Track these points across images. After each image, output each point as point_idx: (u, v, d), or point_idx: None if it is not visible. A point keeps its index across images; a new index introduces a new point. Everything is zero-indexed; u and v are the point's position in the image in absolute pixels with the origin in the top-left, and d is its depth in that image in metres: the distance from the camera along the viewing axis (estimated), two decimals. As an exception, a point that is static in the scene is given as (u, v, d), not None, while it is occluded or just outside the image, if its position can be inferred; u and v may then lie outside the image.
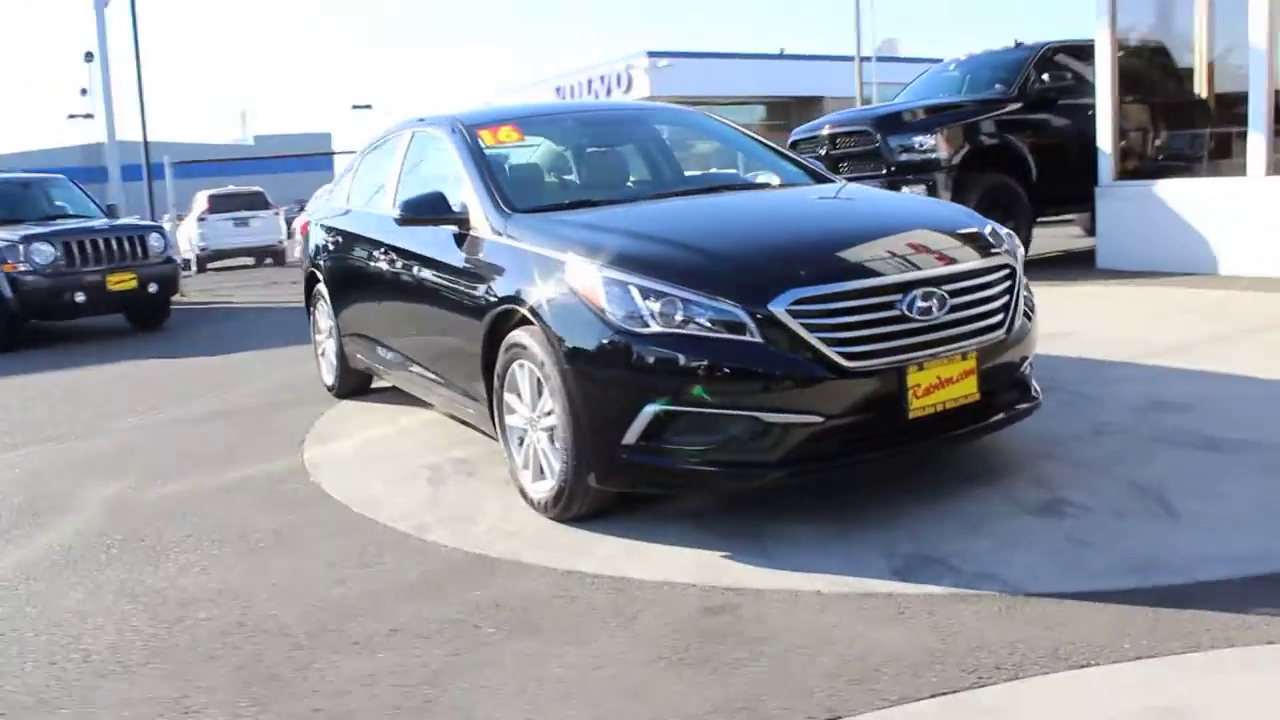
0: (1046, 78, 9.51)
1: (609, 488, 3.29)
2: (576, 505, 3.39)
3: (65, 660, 2.74)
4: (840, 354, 3.02)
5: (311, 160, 46.88)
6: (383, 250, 4.81)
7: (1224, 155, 8.16)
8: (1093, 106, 9.30)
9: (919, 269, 3.22)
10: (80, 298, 9.12)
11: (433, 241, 4.25)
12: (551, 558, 3.20)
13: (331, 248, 5.67)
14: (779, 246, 3.31)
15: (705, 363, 3.02)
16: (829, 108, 41.93)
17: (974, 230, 3.57)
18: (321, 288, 5.90)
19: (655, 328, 3.07)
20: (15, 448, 5.39)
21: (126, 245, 9.46)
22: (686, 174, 4.76)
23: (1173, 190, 8.10)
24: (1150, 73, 9.17)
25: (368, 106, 48.09)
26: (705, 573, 2.99)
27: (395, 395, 5.72)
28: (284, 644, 2.74)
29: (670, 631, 2.64)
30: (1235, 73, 8.40)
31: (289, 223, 23.71)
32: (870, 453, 3.15)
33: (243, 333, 9.76)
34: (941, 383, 3.17)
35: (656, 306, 3.07)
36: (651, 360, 3.07)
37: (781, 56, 43.81)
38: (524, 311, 3.47)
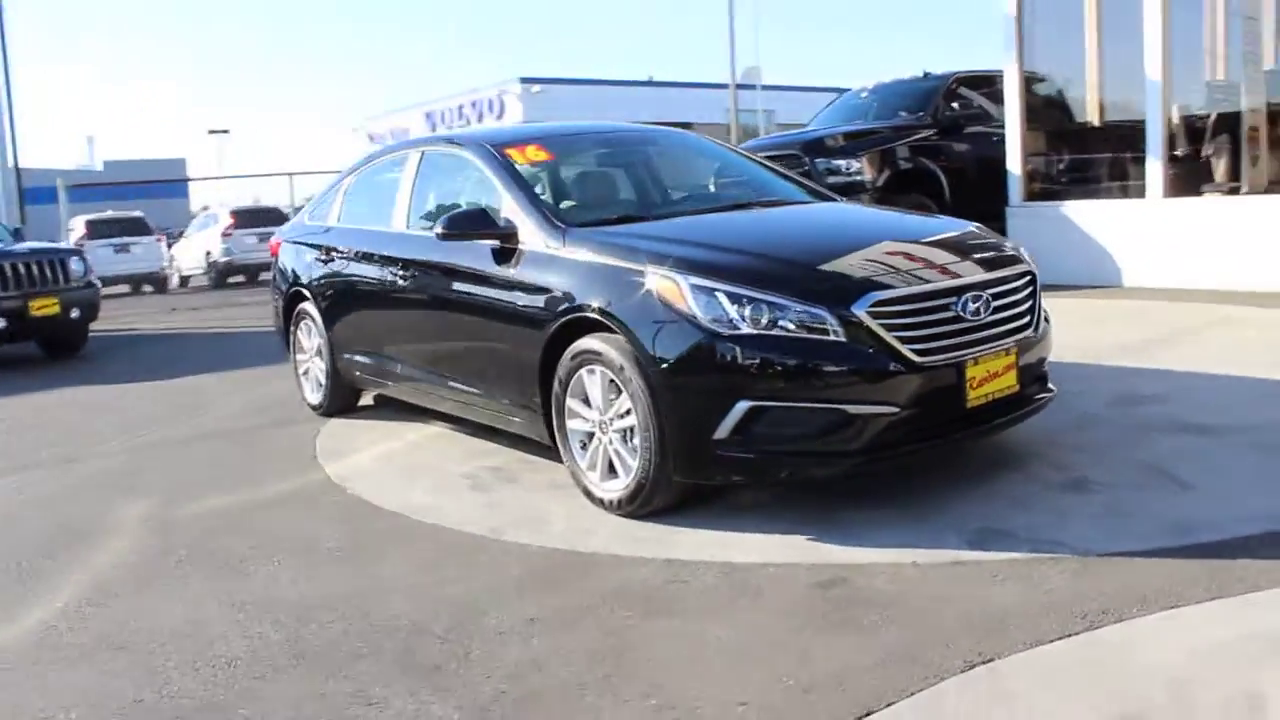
0: (956, 105, 10.25)
1: (695, 481, 3.52)
2: (656, 500, 3.60)
3: (208, 666, 2.78)
4: (912, 350, 3.34)
5: (169, 186, 45.13)
6: (399, 266, 4.90)
7: (1124, 178, 8.99)
8: (995, 132, 10.09)
9: (967, 275, 3.60)
10: (1, 324, 8.69)
11: (467, 256, 4.40)
12: (643, 549, 3.40)
13: (324, 266, 5.68)
14: (848, 254, 3.63)
15: (794, 361, 3.30)
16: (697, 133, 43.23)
17: (995, 242, 3.98)
18: (308, 307, 5.90)
19: (745, 330, 3.33)
20: (3, 474, 5.20)
21: (47, 270, 9.07)
22: (712, 191, 5.04)
23: (1079, 210, 8.87)
24: (1054, 102, 9.99)
25: (225, 131, 46.77)
26: (800, 554, 3.24)
27: (381, 412, 5.80)
28: (428, 639, 2.84)
29: (799, 603, 2.89)
30: (1127, 103, 9.29)
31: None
32: (935, 440, 3.49)
33: (171, 358, 9.45)
34: (990, 376, 3.54)
35: (746, 311, 3.34)
36: (743, 360, 3.32)
37: (650, 83, 44.87)
38: (597, 319, 3.67)
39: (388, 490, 4.38)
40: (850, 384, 3.30)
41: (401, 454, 5.01)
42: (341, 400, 5.89)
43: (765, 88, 44.53)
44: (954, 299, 3.48)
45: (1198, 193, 8.33)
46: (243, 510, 4.26)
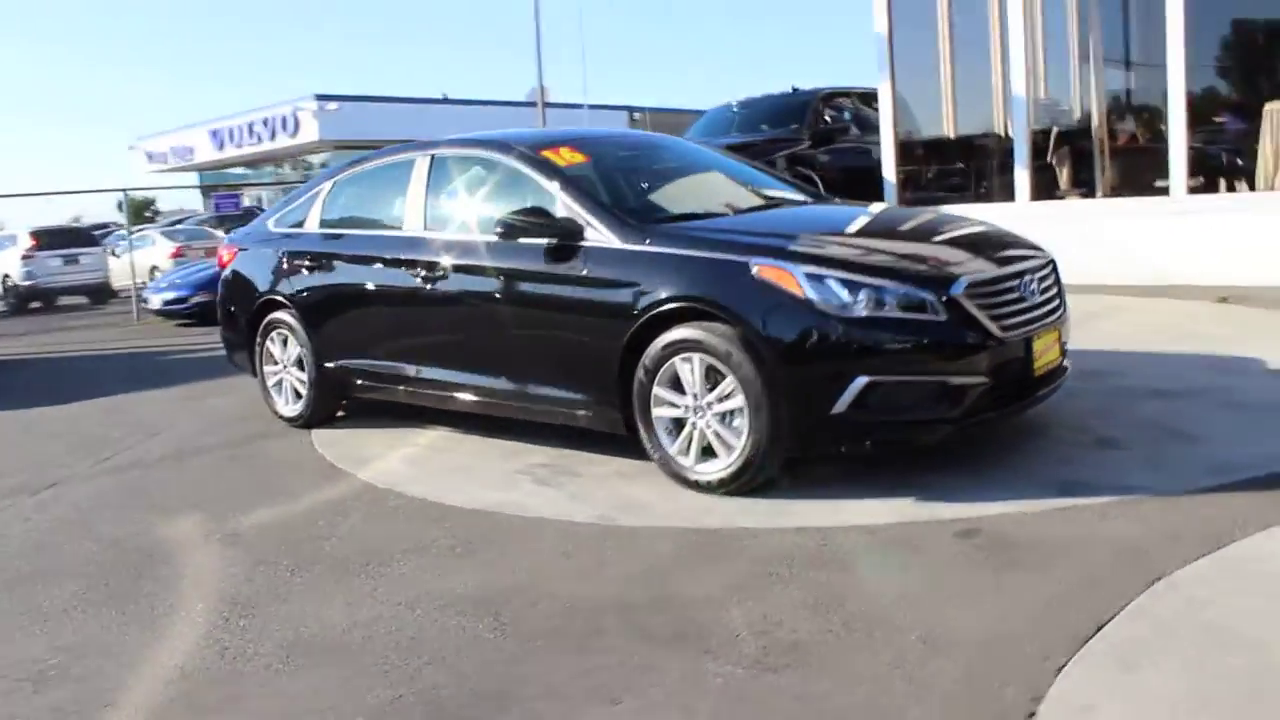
0: (829, 119, 11.03)
1: (810, 454, 3.79)
2: (760, 477, 3.83)
3: (439, 658, 2.77)
4: (997, 327, 3.76)
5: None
6: (420, 269, 4.86)
7: (987, 184, 10.00)
8: (862, 143, 10.95)
9: (1019, 262, 4.07)
10: None
11: (514, 256, 4.47)
12: (770, 521, 3.63)
13: (308, 273, 5.51)
14: (931, 244, 4.01)
15: (904, 339, 3.64)
16: None
17: (1017, 236, 4.49)
18: (283, 316, 5.69)
19: (859, 313, 3.63)
20: (1, 497, 4.74)
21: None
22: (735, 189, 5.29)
23: (955, 213, 9.76)
24: (921, 115, 10.92)
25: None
26: (915, 513, 3.57)
27: (362, 420, 5.69)
28: (642, 613, 2.94)
29: (956, 551, 3.22)
30: (983, 118, 10.35)
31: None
32: (1011, 406, 3.92)
33: (56, 383, 8.66)
34: (1046, 349, 4.03)
35: (859, 295, 3.64)
36: (859, 340, 3.63)
37: (445, 101, 44.80)
38: (693, 309, 3.87)
39: (449, 490, 4.35)
40: (951, 358, 3.68)
41: (428, 457, 4.97)
42: (325, 410, 5.72)
43: (553, 106, 45.43)
44: (1018, 281, 3.94)
45: (1057, 196, 9.40)
46: (307, 519, 4.13)
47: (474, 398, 4.83)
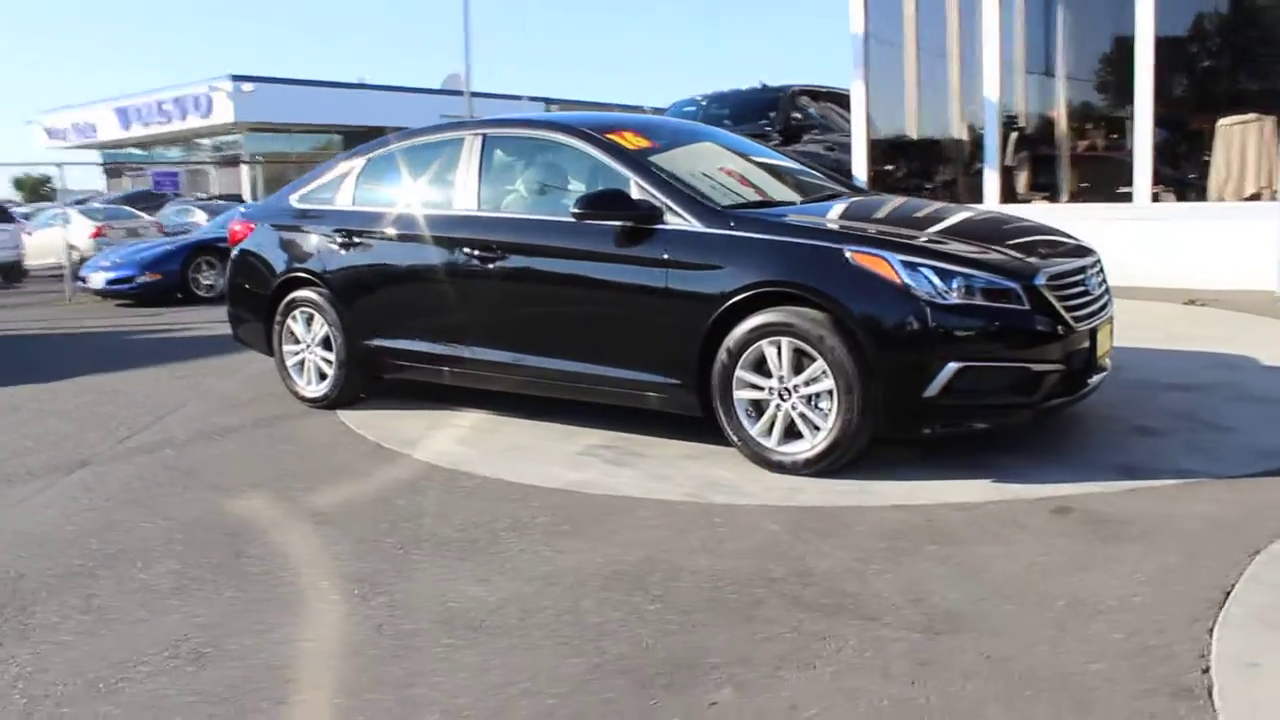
0: (799, 115, 11.27)
1: (900, 435, 3.94)
2: (845, 457, 3.97)
3: (619, 628, 2.80)
4: (1070, 317, 3.97)
5: None
6: (476, 248, 4.83)
7: (954, 183, 10.37)
8: (829, 140, 11.24)
9: (1084, 257, 4.29)
10: None
11: (583, 238, 4.50)
12: (862, 500, 3.76)
13: (343, 250, 5.42)
14: (1003, 237, 4.20)
15: (994, 326, 3.82)
16: None
17: (1069, 235, 4.72)
18: (308, 294, 5.59)
19: (952, 300, 3.80)
20: (20, 481, 4.51)
21: None
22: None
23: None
24: (893, 117, 11.24)
25: None
26: (1000, 493, 3.76)
27: (387, 402, 5.63)
28: (793, 585, 3.03)
29: (1058, 527, 3.41)
30: (950, 121, 10.73)
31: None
32: (1078, 392, 4.13)
33: (49, 360, 8.24)
34: (1105, 339, 4.27)
35: (952, 284, 3.80)
36: (952, 327, 3.79)
37: (362, 86, 44.12)
38: (786, 293, 3.98)
39: (520, 471, 4.35)
40: (1032, 345, 3.88)
41: (478, 438, 4.94)
42: (351, 391, 5.64)
43: (487, 96, 45.25)
44: (1083, 275, 4.17)
45: (1022, 200, 9.81)
46: (382, 498, 4.08)
47: (533, 379, 4.84)
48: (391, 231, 5.29)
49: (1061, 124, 9.86)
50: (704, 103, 12.24)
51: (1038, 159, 10.03)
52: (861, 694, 2.40)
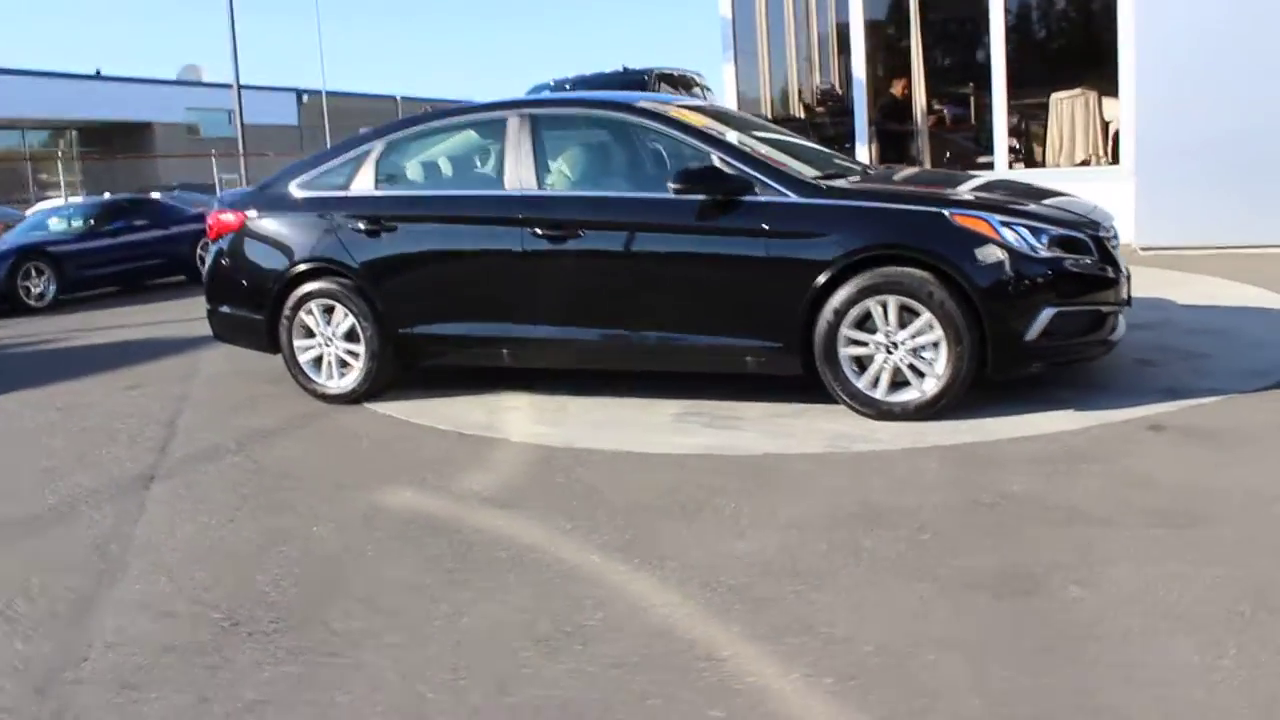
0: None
1: (1007, 377, 4.41)
2: (953, 401, 4.40)
3: (954, 559, 3.08)
4: (1116, 264, 4.60)
5: None
6: (544, 227, 4.84)
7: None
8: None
9: (1105, 214, 4.95)
10: None
11: (665, 211, 4.68)
12: (983, 436, 4.20)
13: (378, 236, 5.22)
14: (1052, 198, 4.76)
15: (1078, 274, 4.38)
16: (160, 135, 40.10)
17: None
18: (329, 285, 5.35)
19: (1043, 254, 4.31)
20: (106, 496, 4.06)
21: None
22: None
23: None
24: (759, 98, 11.83)
25: None
26: (1089, 419, 4.31)
27: (406, 392, 5.49)
28: (1023, 511, 3.40)
29: (1173, 440, 4.00)
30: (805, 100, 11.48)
31: None
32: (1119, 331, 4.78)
33: None
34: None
35: (1042, 239, 4.32)
36: (1046, 276, 4.30)
37: (99, 78, 40.69)
38: (885, 254, 4.34)
39: (644, 441, 4.44)
40: (1105, 288, 4.48)
41: (557, 417, 4.95)
42: (383, 382, 5.46)
43: (210, 85, 42.87)
44: (1114, 228, 4.82)
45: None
46: (536, 480, 4.05)
47: (610, 353, 4.93)
48: (433, 214, 5.17)
49: (920, 101, 10.82)
50: (568, 85, 12.34)
51: (900, 134, 10.96)
52: (1189, 579, 2.79)
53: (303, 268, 5.42)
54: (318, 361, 5.52)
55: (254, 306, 5.61)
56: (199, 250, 13.23)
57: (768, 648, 2.56)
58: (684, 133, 4.81)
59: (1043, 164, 10.24)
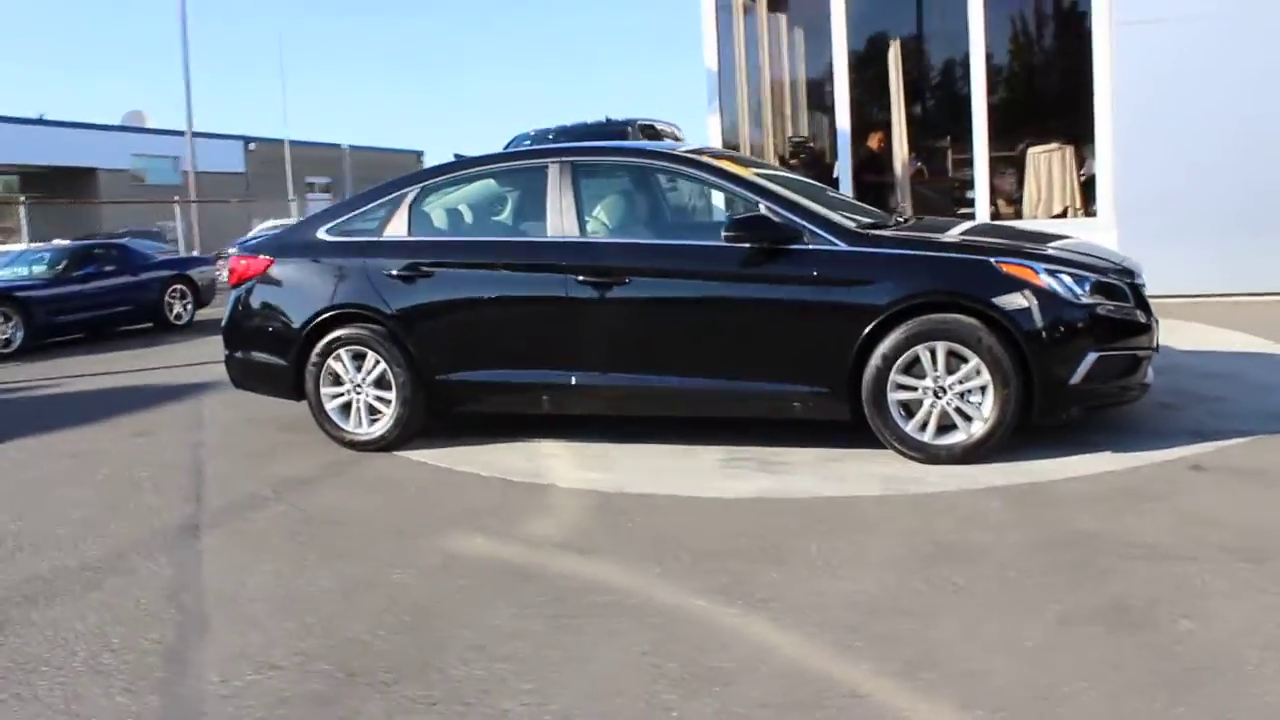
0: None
1: (1050, 420, 4.52)
2: (998, 443, 4.50)
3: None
4: (1147, 313, 4.77)
5: None
6: (589, 274, 4.87)
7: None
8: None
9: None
10: None
11: (713, 259, 4.77)
12: (1038, 477, 4.29)
13: (415, 282, 5.20)
14: (1083, 247, 4.92)
15: (1118, 319, 4.53)
16: (104, 181, 39.43)
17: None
18: (359, 330, 5.30)
19: (1085, 300, 4.46)
20: (153, 547, 3.93)
21: None
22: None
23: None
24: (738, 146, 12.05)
25: None
26: (1131, 460, 4.44)
27: (431, 440, 5.44)
28: (1104, 546, 3.47)
29: (1219, 480, 4.14)
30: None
31: None
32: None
33: None
34: (1155, 330, 5.13)
35: (1084, 285, 4.46)
36: (1088, 322, 4.44)
37: (42, 122, 40.09)
38: (941, 301, 4.45)
39: (699, 487, 4.45)
40: (1139, 334, 4.63)
41: (598, 463, 4.94)
42: (413, 430, 5.39)
43: (155, 131, 42.43)
44: (1142, 279, 5.00)
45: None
46: (606, 526, 4.02)
47: (656, 399, 4.95)
48: (474, 260, 5.18)
49: (901, 153, 11.12)
50: (551, 135, 12.47)
51: (879, 185, 11.24)
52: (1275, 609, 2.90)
53: (332, 313, 5.37)
54: (344, 408, 5.45)
55: (278, 352, 5.53)
56: (167, 297, 13.01)
57: (906, 684, 2.59)
58: (732, 183, 4.91)
59: (1020, 216, 10.57)
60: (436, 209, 5.43)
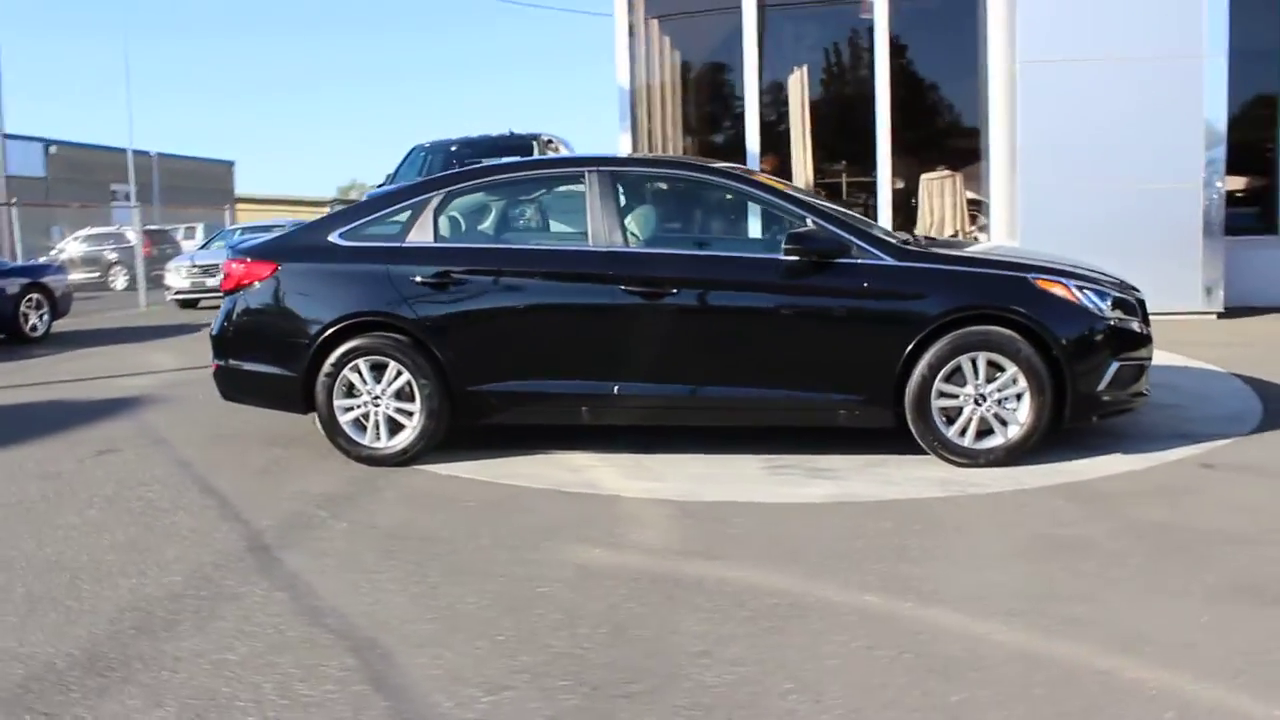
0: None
1: (1080, 424, 4.89)
2: (1033, 446, 4.84)
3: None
4: (1148, 326, 5.26)
5: None
6: (636, 284, 4.88)
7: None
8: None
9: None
10: None
11: (758, 271, 4.91)
12: (1073, 477, 4.66)
13: (445, 290, 5.02)
14: (1087, 266, 5.35)
15: (1132, 331, 4.97)
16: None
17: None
18: (378, 341, 5.08)
19: (1108, 313, 4.87)
20: (228, 573, 3.59)
21: None
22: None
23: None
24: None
25: None
26: (1142, 461, 4.89)
27: (450, 453, 5.32)
28: (1169, 538, 3.83)
29: (1228, 476, 4.62)
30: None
31: None
32: (1145, 383, 5.42)
33: None
34: (1142, 342, 5.64)
35: (1107, 300, 4.88)
36: (1111, 333, 4.85)
37: None
38: (983, 314, 4.75)
39: (761, 493, 4.56)
40: (1146, 345, 5.09)
41: (646, 472, 4.94)
42: (435, 442, 5.20)
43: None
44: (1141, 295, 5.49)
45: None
46: (705, 534, 4.05)
47: (699, 409, 5.00)
48: (511, 268, 5.06)
49: (806, 177, 11.61)
50: (454, 147, 12.19)
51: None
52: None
53: (349, 322, 5.11)
54: (361, 421, 5.19)
55: (284, 363, 5.21)
56: (22, 307, 11.81)
57: (1134, 659, 2.78)
58: (780, 198, 5.05)
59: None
60: (465, 215, 5.27)
